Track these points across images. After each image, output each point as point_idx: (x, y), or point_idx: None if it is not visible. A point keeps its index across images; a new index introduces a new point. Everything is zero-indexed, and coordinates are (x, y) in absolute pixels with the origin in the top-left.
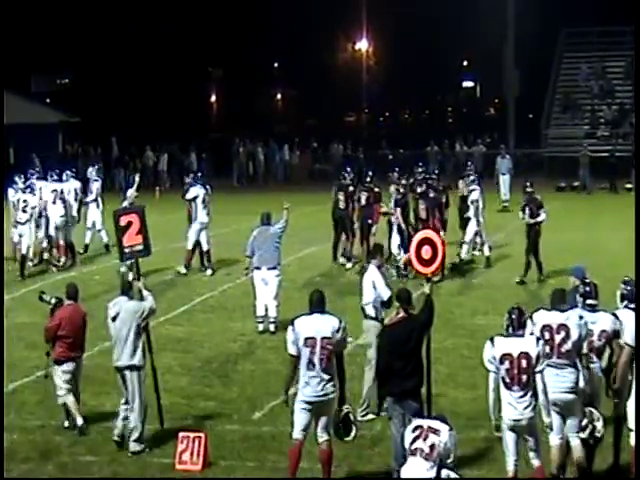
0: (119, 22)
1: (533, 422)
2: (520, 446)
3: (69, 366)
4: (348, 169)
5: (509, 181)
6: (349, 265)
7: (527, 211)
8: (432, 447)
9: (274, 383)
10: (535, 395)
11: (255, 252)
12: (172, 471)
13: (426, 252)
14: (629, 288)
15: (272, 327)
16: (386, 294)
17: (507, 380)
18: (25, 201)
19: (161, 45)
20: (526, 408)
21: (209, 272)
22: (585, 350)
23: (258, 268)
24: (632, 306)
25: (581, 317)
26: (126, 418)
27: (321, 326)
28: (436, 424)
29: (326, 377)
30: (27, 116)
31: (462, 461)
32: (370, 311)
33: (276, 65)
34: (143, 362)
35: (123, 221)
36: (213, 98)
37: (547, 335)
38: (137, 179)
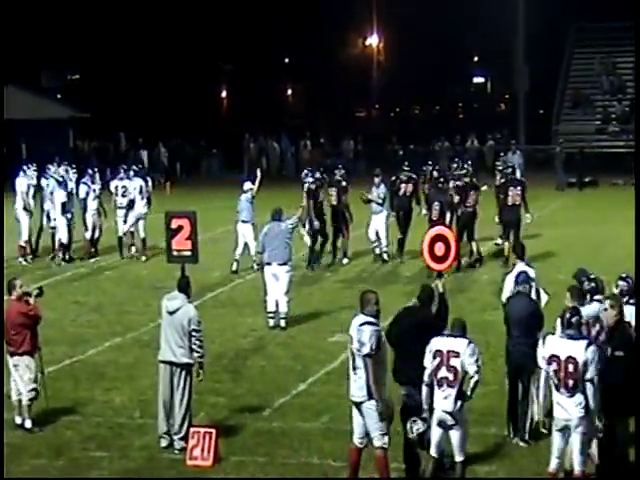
0: (129, 18)
1: (583, 423)
2: (566, 447)
3: (12, 361)
4: (369, 170)
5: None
6: (345, 261)
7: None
8: (455, 371)
9: (284, 379)
10: (586, 396)
11: (266, 248)
12: (183, 466)
13: (439, 249)
14: (627, 284)
15: (283, 323)
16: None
17: (555, 381)
18: (124, 187)
19: (171, 40)
20: (575, 408)
21: (143, 258)
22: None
23: (269, 264)
24: (632, 301)
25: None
26: (168, 417)
27: (353, 325)
28: (455, 344)
29: (355, 378)
30: (38, 111)
31: (472, 457)
32: None
33: (286, 60)
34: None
35: (174, 224)
36: (223, 94)
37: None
38: (259, 174)
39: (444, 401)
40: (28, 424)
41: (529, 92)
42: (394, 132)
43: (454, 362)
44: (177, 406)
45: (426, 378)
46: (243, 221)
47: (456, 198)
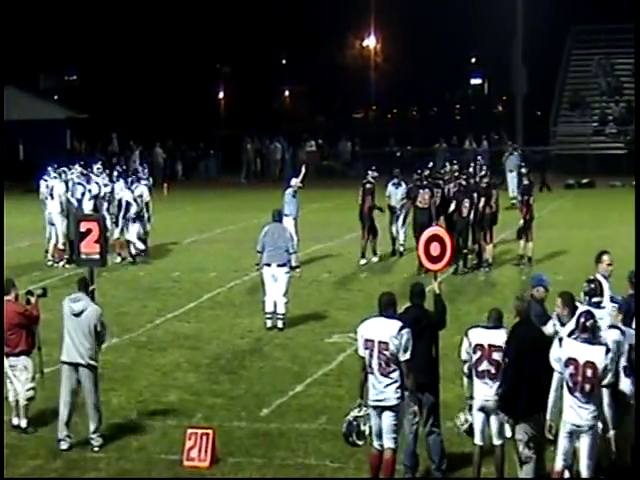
0: (127, 20)
1: (593, 429)
2: (572, 450)
3: (8, 361)
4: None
5: (517, 178)
6: (375, 259)
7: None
8: (497, 364)
9: (282, 380)
10: (599, 402)
11: (265, 248)
12: (180, 467)
13: (434, 249)
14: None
15: (280, 324)
16: None
17: (570, 384)
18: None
19: (169, 42)
20: (588, 415)
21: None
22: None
23: (268, 265)
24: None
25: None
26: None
27: (381, 330)
28: (496, 337)
29: (387, 382)
30: (36, 112)
31: (470, 458)
32: None
33: (284, 62)
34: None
35: (83, 227)
36: (221, 95)
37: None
38: (303, 170)
39: (487, 391)
40: (24, 424)
41: (527, 94)
42: (391, 133)
43: (496, 356)
44: (91, 406)
45: (466, 370)
46: (285, 215)
47: (482, 200)
